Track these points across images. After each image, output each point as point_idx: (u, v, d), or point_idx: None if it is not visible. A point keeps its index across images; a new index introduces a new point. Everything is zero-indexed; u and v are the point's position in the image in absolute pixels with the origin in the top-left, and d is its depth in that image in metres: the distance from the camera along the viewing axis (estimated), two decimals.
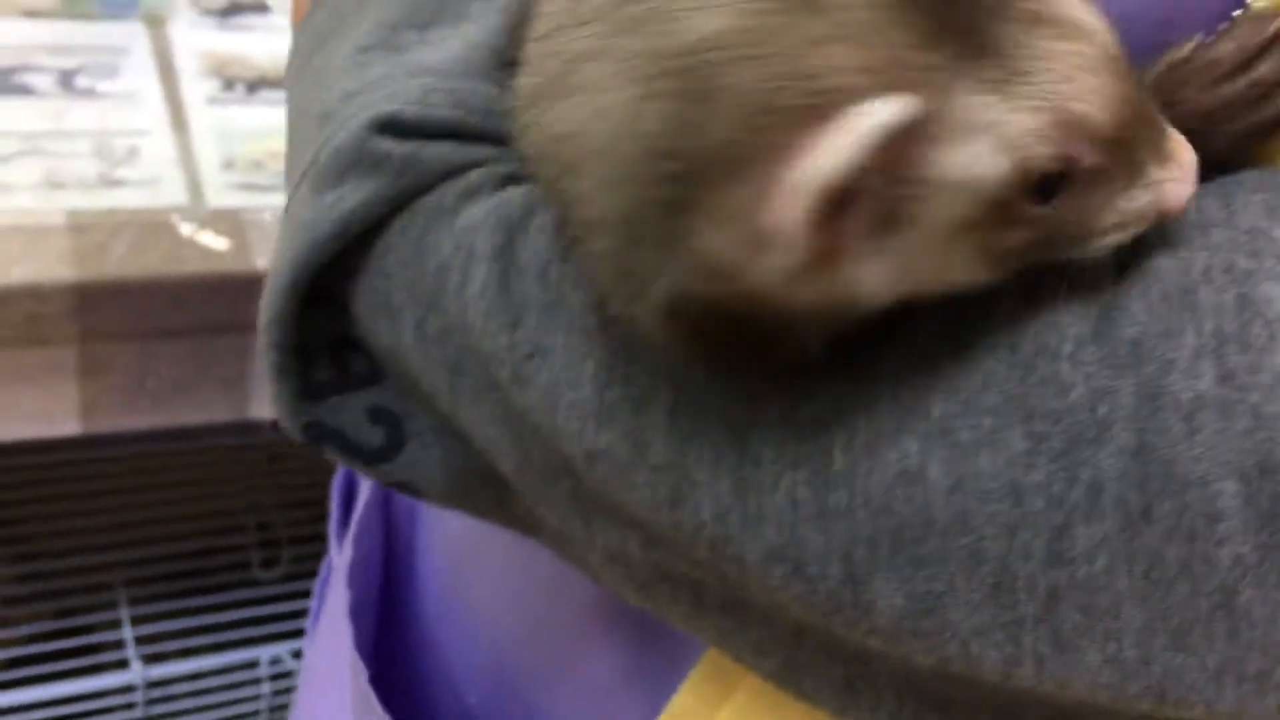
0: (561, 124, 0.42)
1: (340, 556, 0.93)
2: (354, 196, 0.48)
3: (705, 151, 0.38)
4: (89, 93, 1.39)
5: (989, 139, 0.39)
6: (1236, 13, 0.48)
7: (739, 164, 0.38)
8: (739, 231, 0.38)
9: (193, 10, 1.55)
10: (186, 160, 1.32)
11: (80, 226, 1.19)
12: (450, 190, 0.49)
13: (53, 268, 1.16)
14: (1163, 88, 0.47)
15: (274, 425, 0.55)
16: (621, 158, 0.39)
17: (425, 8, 0.53)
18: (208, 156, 1.34)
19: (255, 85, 1.45)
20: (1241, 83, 0.47)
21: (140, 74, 1.43)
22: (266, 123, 1.41)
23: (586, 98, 0.40)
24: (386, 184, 0.48)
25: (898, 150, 0.37)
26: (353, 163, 0.49)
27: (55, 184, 1.25)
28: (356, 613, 0.87)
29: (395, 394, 0.54)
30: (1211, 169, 0.45)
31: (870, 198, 0.38)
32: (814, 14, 0.37)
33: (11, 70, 1.38)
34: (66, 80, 1.39)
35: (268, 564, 1.71)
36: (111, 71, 1.42)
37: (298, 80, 0.56)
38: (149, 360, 1.24)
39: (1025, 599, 0.41)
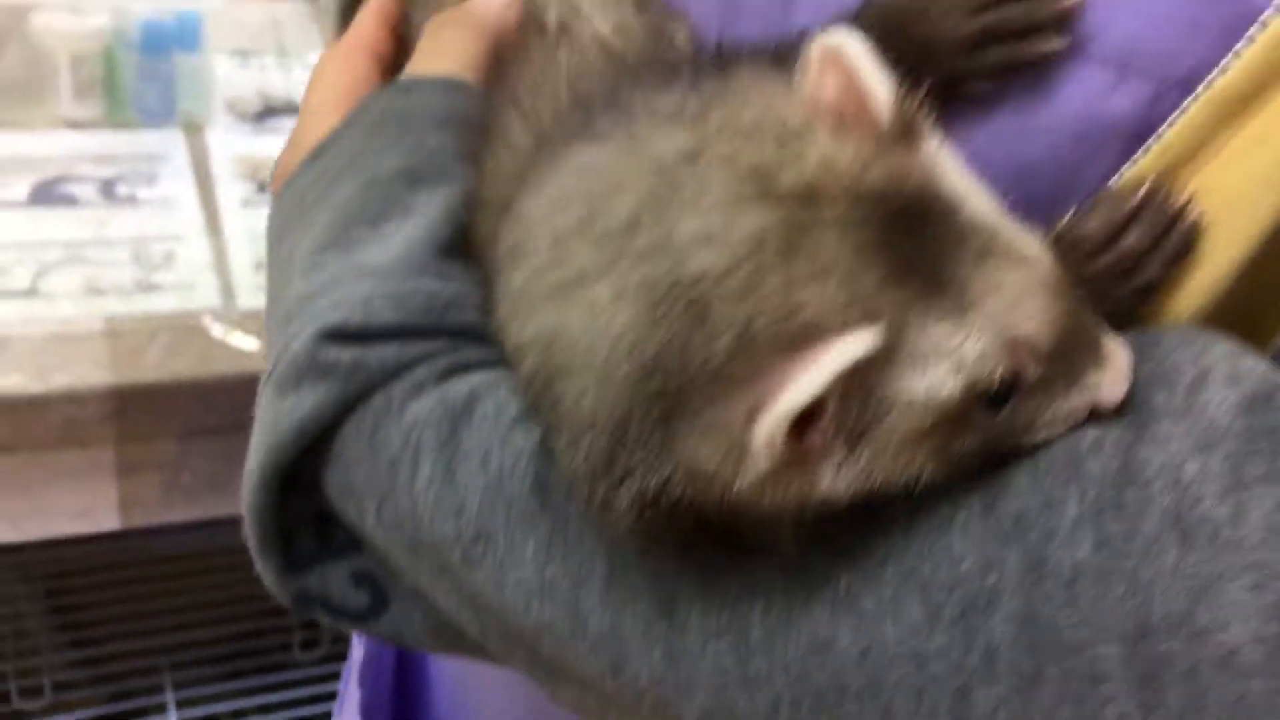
0: (559, 329, 0.46)
1: (356, 651, 0.97)
2: (309, 402, 0.52)
3: (697, 373, 0.42)
4: (129, 200, 1.45)
5: (945, 363, 0.43)
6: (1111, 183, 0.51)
7: (725, 386, 0.42)
8: (720, 444, 0.42)
9: (229, 115, 1.63)
10: (220, 263, 1.38)
11: (117, 332, 1.25)
12: (397, 389, 0.52)
13: (90, 373, 1.22)
14: None
15: None
16: (619, 370, 0.44)
17: (376, 202, 0.57)
18: (240, 258, 1.39)
19: None
20: (1111, 256, 0.50)
21: (178, 180, 1.50)
22: None
23: (589, 311, 0.45)
24: (337, 389, 0.52)
25: (862, 376, 0.42)
26: (306, 371, 0.52)
27: (95, 291, 1.31)
28: (368, 711, 0.90)
29: (375, 560, 0.57)
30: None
31: (837, 415, 0.43)
32: (797, 257, 0.42)
33: (56, 181, 1.46)
34: (107, 189, 1.46)
35: (308, 645, 1.75)
36: (151, 179, 1.49)
37: (271, 265, 0.61)
38: (183, 458, 1.29)
39: None
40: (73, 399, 1.22)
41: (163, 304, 1.31)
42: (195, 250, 1.39)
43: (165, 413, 1.26)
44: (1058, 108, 0.51)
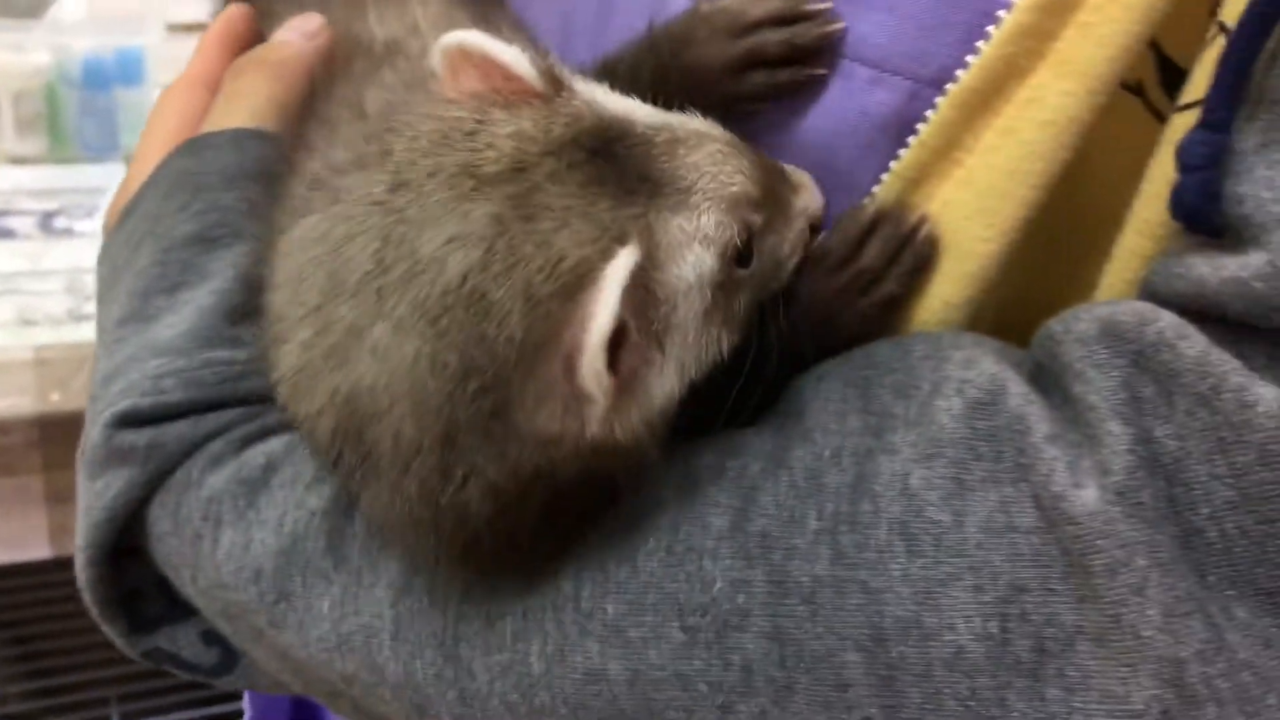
0: (352, 386, 0.47)
1: None
2: (115, 485, 0.54)
3: (505, 356, 0.44)
4: (66, 233, 1.48)
5: (696, 245, 0.47)
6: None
7: (534, 352, 0.44)
8: (555, 404, 0.44)
9: None
10: None
11: (45, 361, 1.27)
12: (196, 464, 0.54)
13: (18, 402, 1.24)
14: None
15: None
16: (429, 390, 0.45)
17: (172, 270, 0.58)
18: None
19: None
20: (850, 272, 0.52)
21: None
22: None
23: (374, 356, 0.46)
24: (138, 471, 0.54)
25: (641, 287, 0.45)
26: (106, 457, 0.55)
27: (27, 321, 1.33)
28: None
29: None
30: (850, 343, 0.51)
31: (638, 328, 0.45)
32: (534, 219, 0.45)
33: None
34: (46, 222, 1.49)
35: None
36: (90, 211, 1.52)
37: (96, 329, 0.63)
38: None
39: None
40: (0, 428, 1.23)
41: (93, 333, 1.32)
42: None
43: None
44: (825, 107, 0.53)
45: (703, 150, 0.49)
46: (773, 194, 0.51)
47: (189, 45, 1.80)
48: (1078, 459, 0.42)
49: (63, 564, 1.38)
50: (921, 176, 0.51)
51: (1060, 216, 0.50)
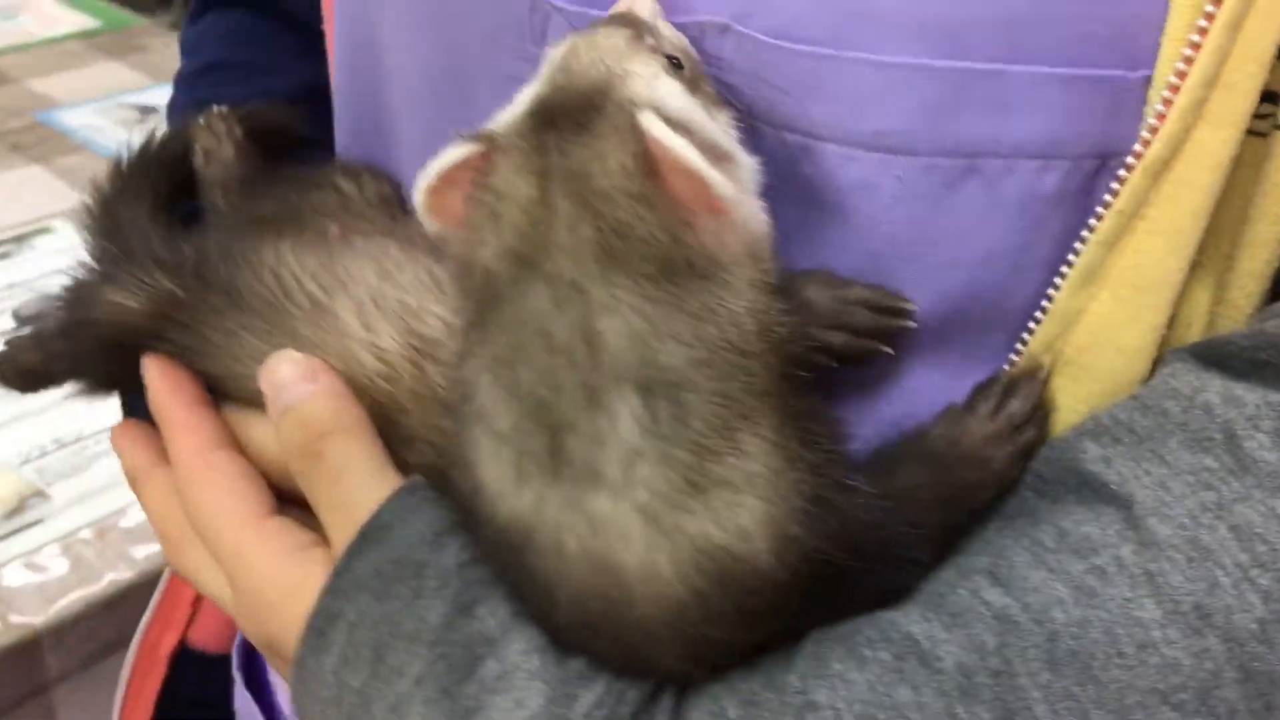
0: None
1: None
2: None
3: (660, 243, 0.53)
4: None
5: (657, 82, 0.58)
6: None
7: (670, 211, 0.54)
8: (692, 212, 0.54)
9: None
10: None
11: None
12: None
13: None
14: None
15: None
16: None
17: (457, 657, 0.56)
18: None
19: None
20: (1002, 417, 0.62)
21: None
22: None
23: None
24: None
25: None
26: None
27: None
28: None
29: None
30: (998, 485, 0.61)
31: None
32: (585, 176, 0.54)
33: None
34: None
35: None
36: None
37: None
38: None
39: None
40: None
41: None
42: None
43: None
44: (996, 198, 0.61)
45: (599, 37, 0.58)
46: (626, 18, 0.60)
47: None
48: None
49: None
50: (1116, 239, 0.60)
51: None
